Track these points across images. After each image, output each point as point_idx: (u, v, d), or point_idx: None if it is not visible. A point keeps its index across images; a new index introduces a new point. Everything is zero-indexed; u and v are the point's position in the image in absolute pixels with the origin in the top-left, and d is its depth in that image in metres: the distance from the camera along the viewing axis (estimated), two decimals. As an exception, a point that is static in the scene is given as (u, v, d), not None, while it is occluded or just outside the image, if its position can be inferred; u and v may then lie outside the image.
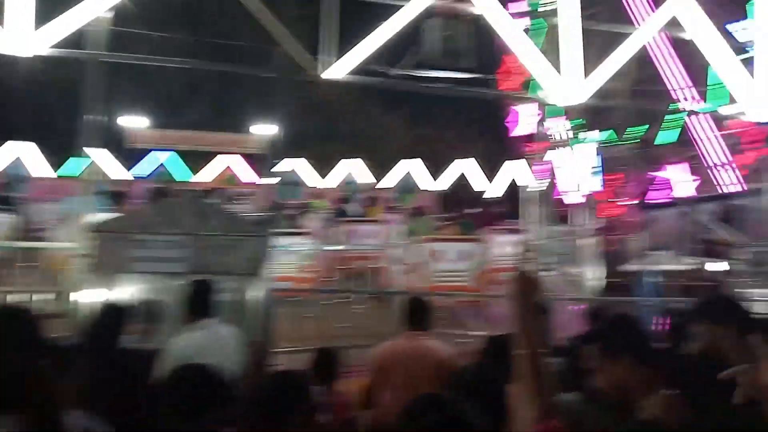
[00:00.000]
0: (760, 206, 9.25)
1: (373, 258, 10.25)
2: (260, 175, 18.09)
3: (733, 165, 15.94)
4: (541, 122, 7.69)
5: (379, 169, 18.64)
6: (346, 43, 6.27)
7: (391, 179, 18.05)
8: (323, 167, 18.95)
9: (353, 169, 18.12)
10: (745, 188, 10.76)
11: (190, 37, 18.35)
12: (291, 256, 9.40)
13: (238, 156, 19.04)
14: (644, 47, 19.86)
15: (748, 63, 7.98)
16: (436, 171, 18.56)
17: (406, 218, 13.76)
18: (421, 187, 17.92)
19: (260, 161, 18.40)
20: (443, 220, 13.57)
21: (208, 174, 18.74)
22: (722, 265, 10.81)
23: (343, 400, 4.58)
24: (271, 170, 17.38)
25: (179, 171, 18.71)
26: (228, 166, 18.95)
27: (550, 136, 15.56)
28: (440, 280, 9.27)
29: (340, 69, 6.16)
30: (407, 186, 17.82)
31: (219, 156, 18.99)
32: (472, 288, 9.23)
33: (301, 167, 18.09)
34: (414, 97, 20.78)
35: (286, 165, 17.70)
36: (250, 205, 14.39)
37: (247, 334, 4.69)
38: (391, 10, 6.27)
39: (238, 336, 4.43)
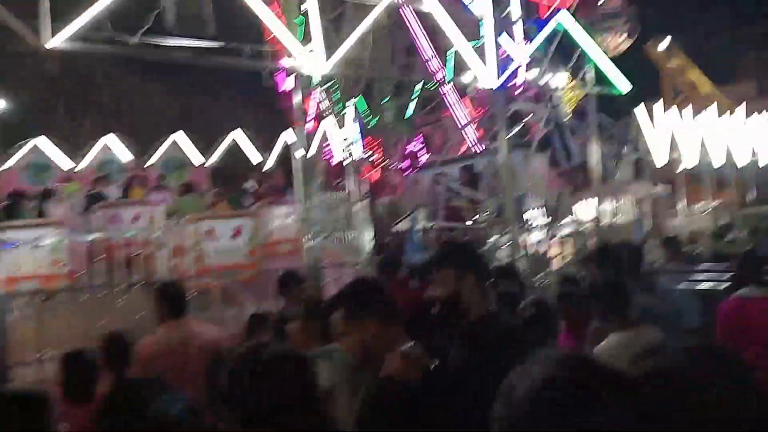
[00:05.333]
0: (494, 165, 10.46)
1: (139, 245, 9.44)
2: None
3: (474, 124, 17.97)
4: (304, 91, 7.66)
5: (142, 145, 17.15)
6: (70, 9, 5.55)
7: (156, 156, 16.75)
8: (75, 146, 16.89)
9: (111, 147, 16.44)
10: (482, 149, 12.17)
11: None
12: (36, 252, 8.28)
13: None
14: (402, 20, 21.42)
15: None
16: (206, 144, 17.64)
17: (174, 198, 12.95)
18: (191, 163, 16.99)
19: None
20: (214, 196, 13.04)
21: None
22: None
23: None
24: (9, 152, 15.12)
25: None
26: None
27: (316, 104, 15.82)
28: (214, 260, 8.92)
29: (62, 37, 5.43)
30: (175, 162, 16.76)
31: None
32: (248, 265, 9.04)
33: (47, 147, 15.93)
34: (177, 65, 19.37)
35: (31, 145, 15.54)
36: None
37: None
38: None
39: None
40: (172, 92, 30.36)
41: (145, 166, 16.32)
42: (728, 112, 16.38)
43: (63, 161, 15.93)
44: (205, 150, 17.38)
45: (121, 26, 6.14)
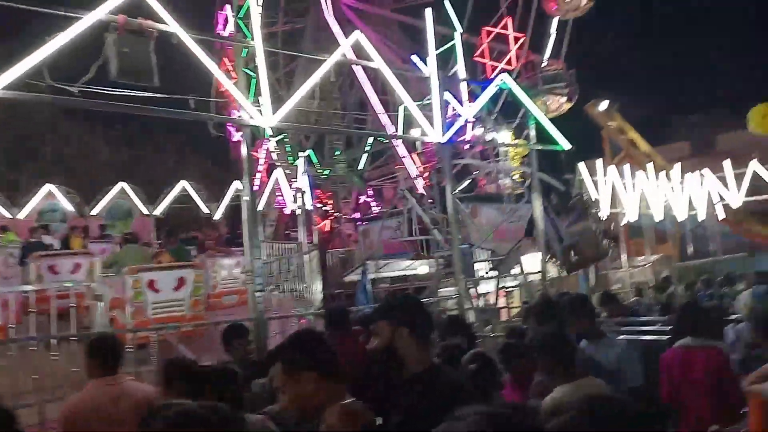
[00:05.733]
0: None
1: (76, 296, 9.00)
2: None
3: (422, 176, 18.44)
4: (250, 143, 7.64)
5: (86, 194, 16.68)
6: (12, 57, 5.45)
7: (100, 205, 16.30)
8: (14, 196, 16.29)
9: (53, 196, 15.91)
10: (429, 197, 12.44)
11: None
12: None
13: None
14: (354, 76, 21.88)
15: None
16: (153, 194, 17.29)
17: (116, 248, 12.53)
18: (136, 213, 16.58)
19: None
20: (158, 246, 12.71)
21: None
22: (425, 269, 12.11)
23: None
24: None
25: None
26: None
27: (268, 155, 15.85)
28: (156, 312, 8.59)
29: (-1, 85, 5.31)
30: (120, 212, 16.34)
31: None
32: (191, 317, 8.74)
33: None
34: (124, 115, 19.10)
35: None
36: None
37: None
38: (67, 22, 5.64)
39: None
40: (118, 141, 29.86)
41: (90, 214, 15.84)
42: (664, 170, 17.19)
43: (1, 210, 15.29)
44: (152, 200, 17.02)
45: (62, 76, 6.03)
